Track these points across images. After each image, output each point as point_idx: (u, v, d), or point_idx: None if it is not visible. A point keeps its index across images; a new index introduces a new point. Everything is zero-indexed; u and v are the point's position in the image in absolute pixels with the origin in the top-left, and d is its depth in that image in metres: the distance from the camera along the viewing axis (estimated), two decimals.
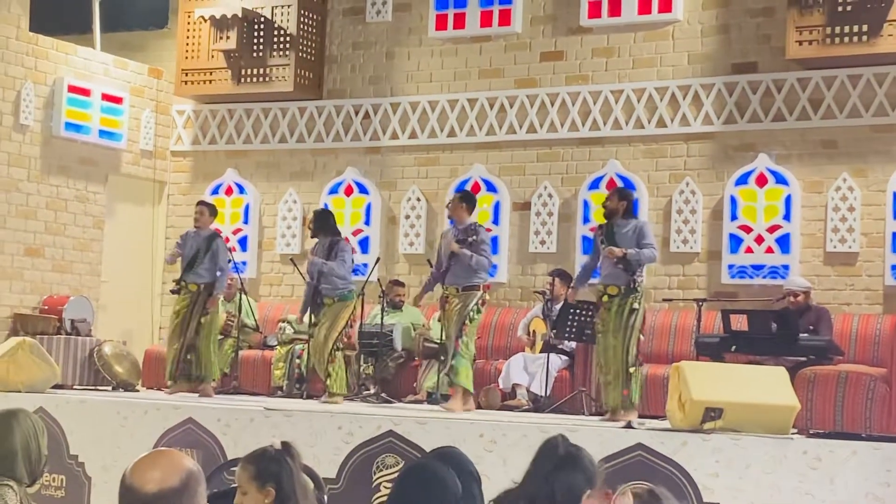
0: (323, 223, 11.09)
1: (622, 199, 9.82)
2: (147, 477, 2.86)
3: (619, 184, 11.72)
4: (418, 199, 12.95)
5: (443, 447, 4.58)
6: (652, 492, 4.60)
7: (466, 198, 10.68)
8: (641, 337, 9.62)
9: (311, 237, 11.31)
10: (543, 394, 10.83)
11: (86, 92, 13.35)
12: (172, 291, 11.63)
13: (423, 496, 3.89)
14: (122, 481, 2.90)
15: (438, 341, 10.96)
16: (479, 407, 10.96)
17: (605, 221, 9.87)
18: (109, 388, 12.15)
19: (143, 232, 12.93)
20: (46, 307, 12.77)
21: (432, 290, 10.76)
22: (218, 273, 11.37)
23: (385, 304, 11.71)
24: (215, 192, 14.00)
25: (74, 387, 12.11)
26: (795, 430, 8.50)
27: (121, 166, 13.93)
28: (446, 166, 12.96)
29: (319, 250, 10.97)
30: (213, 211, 11.74)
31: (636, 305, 9.51)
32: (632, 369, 9.45)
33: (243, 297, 12.36)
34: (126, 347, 12.75)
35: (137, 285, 13.94)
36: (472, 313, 10.14)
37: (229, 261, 11.58)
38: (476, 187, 12.60)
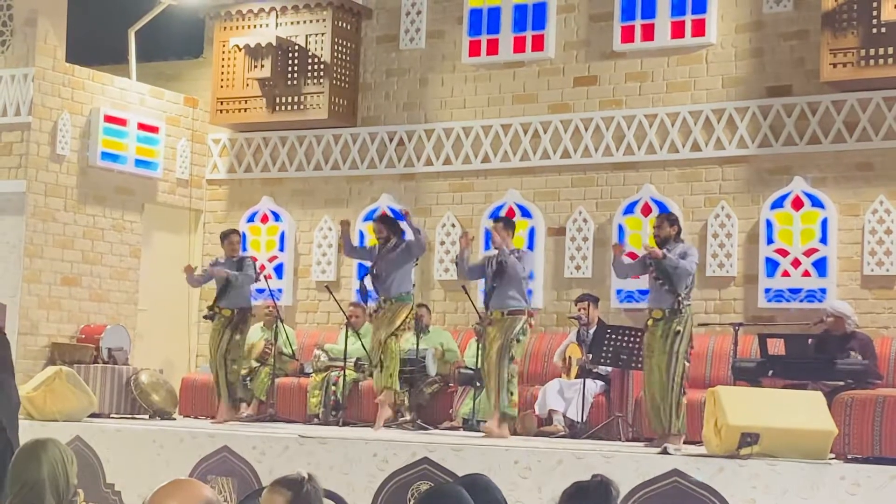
0: (391, 225, 11.16)
1: (672, 225, 9.87)
2: None
3: (655, 208, 11.67)
4: (453, 226, 12.95)
5: (471, 474, 4.56)
6: None
7: (509, 224, 10.70)
8: (687, 363, 9.57)
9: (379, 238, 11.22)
10: (580, 420, 10.77)
11: (122, 122, 13.45)
12: (206, 317, 11.70)
13: None
14: None
15: (473, 367, 10.94)
16: (515, 433, 10.92)
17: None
18: (146, 416, 12.19)
19: (180, 260, 12.97)
20: (83, 336, 12.83)
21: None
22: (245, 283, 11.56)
23: (416, 330, 11.70)
24: (251, 219, 14.05)
25: (111, 415, 12.16)
26: (833, 456, 8.41)
27: (157, 195, 14.02)
28: (481, 192, 12.95)
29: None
30: (240, 236, 12.05)
31: (680, 328, 9.49)
32: (683, 396, 9.45)
33: (280, 325, 12.39)
34: (163, 376, 12.79)
35: (174, 314, 14.00)
36: (520, 336, 10.15)
37: (257, 278, 11.72)
38: (511, 213, 12.59)
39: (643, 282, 10.83)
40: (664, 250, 9.65)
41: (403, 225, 11.07)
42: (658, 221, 10.02)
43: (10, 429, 5.91)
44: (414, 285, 11.27)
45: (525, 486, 8.47)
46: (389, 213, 11.95)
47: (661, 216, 10.13)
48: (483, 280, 10.62)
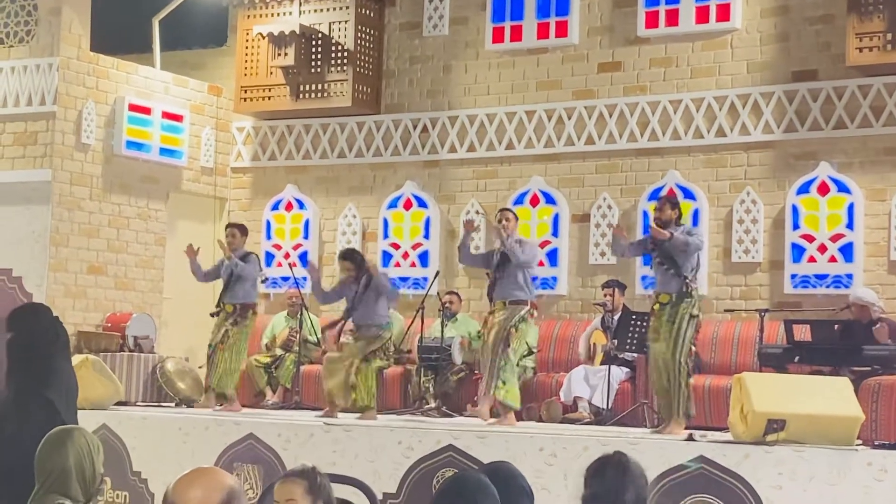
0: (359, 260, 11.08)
1: (674, 208, 9.75)
2: (189, 496, 2.85)
3: (680, 194, 11.62)
4: (477, 212, 12.93)
5: (495, 462, 4.56)
6: None
7: (515, 212, 10.68)
8: (693, 347, 9.53)
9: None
10: (605, 406, 10.75)
11: (146, 110, 13.48)
12: (212, 314, 11.68)
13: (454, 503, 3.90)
14: (165, 499, 2.90)
15: None
16: (540, 420, 10.92)
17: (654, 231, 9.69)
18: (172, 404, 12.23)
19: (205, 248, 12.98)
20: (109, 324, 12.88)
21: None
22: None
23: (443, 317, 11.70)
24: (275, 207, 14.07)
25: (137, 403, 12.21)
26: (860, 442, 8.38)
27: (181, 183, 14.05)
28: (505, 179, 12.93)
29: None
30: (244, 231, 11.83)
31: (688, 312, 9.42)
32: (690, 380, 9.39)
33: (305, 312, 12.40)
34: (188, 364, 12.83)
35: (199, 302, 14.00)
36: (518, 324, 10.09)
37: (262, 275, 11.74)
38: (535, 199, 12.58)
39: None
40: (670, 231, 9.56)
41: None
42: (659, 204, 9.84)
43: (67, 414, 5.95)
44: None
45: (550, 473, 8.47)
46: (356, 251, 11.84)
47: (663, 199, 9.98)
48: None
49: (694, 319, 9.46)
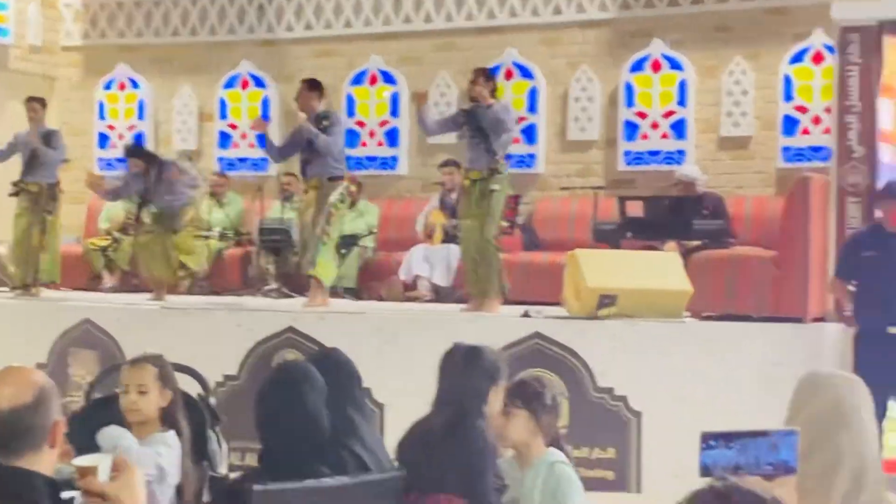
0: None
1: (489, 81, 9.43)
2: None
3: (517, 73, 11.66)
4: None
5: (324, 349, 4.61)
6: (539, 380, 4.72)
7: (314, 85, 10.13)
8: (504, 223, 9.51)
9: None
10: (446, 284, 10.87)
11: None
12: (11, 195, 11.15)
13: (279, 394, 3.94)
14: None
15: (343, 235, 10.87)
16: (380, 299, 10.99)
17: (471, 104, 9.44)
18: (6, 289, 11.95)
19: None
20: None
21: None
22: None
23: (282, 199, 11.64)
24: (108, 87, 13.71)
25: None
26: (688, 314, 8.64)
27: (9, 62, 13.56)
28: (343, 58, 12.79)
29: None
30: (44, 105, 11.36)
31: (496, 187, 9.17)
32: (500, 255, 9.29)
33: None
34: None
35: None
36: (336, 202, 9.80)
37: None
38: (374, 79, 12.50)
39: (515, 149, 10.87)
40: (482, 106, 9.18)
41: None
42: (473, 76, 9.48)
43: None
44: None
45: (388, 351, 8.55)
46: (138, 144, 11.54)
47: (478, 71, 9.60)
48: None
49: (503, 196, 9.30)
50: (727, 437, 2.84)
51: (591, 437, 8.12)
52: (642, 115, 11.51)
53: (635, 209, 9.96)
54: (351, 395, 4.23)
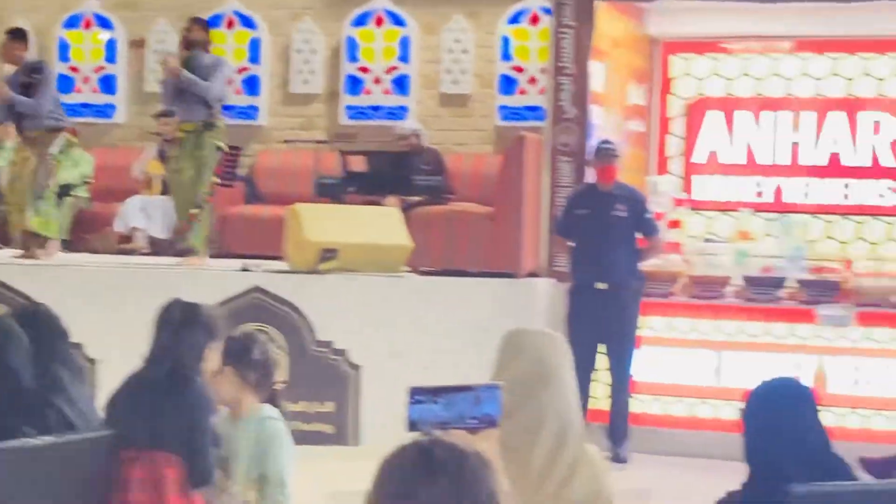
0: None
1: (205, 30, 9.36)
2: None
3: (238, 22, 11.47)
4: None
5: (30, 304, 4.44)
6: (250, 335, 4.69)
7: (18, 34, 9.71)
8: (215, 178, 9.33)
9: None
10: (164, 237, 10.62)
11: None
12: None
13: None
14: None
15: None
16: (95, 252, 10.65)
17: (186, 53, 9.31)
18: None
19: None
20: None
21: None
22: None
23: None
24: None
25: None
26: (409, 269, 8.74)
27: None
28: (56, 1, 12.26)
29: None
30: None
31: (211, 142, 9.09)
32: (196, 210, 9.14)
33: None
34: None
35: None
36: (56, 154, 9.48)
37: None
38: (88, 23, 12.05)
39: (236, 100, 10.69)
40: (182, 69, 9.06)
41: None
42: (188, 24, 9.42)
43: None
44: None
45: (102, 305, 8.30)
46: None
47: (192, 19, 9.56)
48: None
49: (219, 151, 9.20)
50: (434, 392, 2.86)
51: (312, 392, 8.12)
52: (365, 70, 11.51)
53: (357, 164, 9.99)
54: (57, 351, 4.11)
